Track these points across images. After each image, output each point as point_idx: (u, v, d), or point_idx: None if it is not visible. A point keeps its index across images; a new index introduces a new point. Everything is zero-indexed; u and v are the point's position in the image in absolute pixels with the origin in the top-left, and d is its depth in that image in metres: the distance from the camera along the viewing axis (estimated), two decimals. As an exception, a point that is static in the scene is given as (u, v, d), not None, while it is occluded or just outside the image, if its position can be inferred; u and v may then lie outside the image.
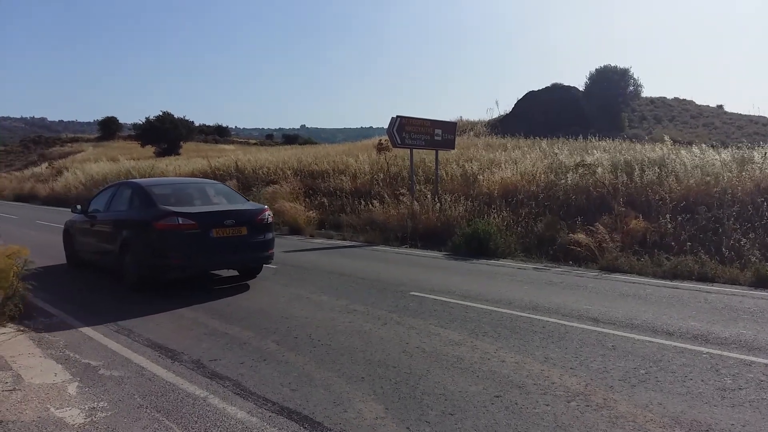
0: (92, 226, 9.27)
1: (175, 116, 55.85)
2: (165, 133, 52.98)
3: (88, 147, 60.65)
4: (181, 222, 7.57)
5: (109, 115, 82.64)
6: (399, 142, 14.31)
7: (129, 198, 8.63)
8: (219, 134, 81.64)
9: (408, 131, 14.42)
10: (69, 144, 67.27)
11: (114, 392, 4.46)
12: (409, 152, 15.14)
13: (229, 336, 5.90)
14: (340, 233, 14.58)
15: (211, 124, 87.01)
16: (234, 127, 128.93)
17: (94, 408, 4.17)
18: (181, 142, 54.95)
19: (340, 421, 3.83)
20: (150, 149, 52.06)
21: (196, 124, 70.71)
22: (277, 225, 13.82)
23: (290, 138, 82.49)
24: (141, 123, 54.60)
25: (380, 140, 23.43)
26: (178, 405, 4.17)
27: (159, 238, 7.60)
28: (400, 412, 3.97)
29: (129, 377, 4.79)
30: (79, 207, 9.93)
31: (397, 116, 14.20)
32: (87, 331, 6.23)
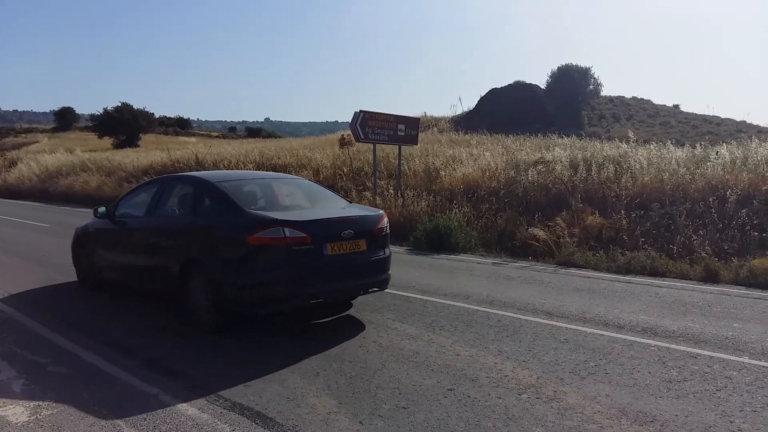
0: (128, 236, 6.96)
1: (135, 107, 54.60)
2: (123, 125, 51.77)
3: (43, 138, 58.80)
4: (288, 235, 5.24)
5: (66, 105, 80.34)
6: (362, 136, 14.28)
7: (192, 198, 6.32)
8: (180, 126, 80.00)
9: (371, 126, 14.40)
10: (23, 135, 65.11)
11: (61, 389, 4.33)
12: (372, 147, 15.13)
13: (172, 329, 5.80)
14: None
15: (172, 116, 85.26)
16: (196, 120, 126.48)
17: (39, 406, 4.04)
18: (141, 134, 53.76)
19: (292, 417, 3.80)
20: (108, 141, 50.76)
21: (157, 115, 69.30)
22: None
23: (253, 131, 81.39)
24: (98, 114, 53.19)
25: (343, 135, 23.37)
26: (126, 402, 4.08)
27: (254, 258, 5.30)
28: (354, 406, 3.96)
29: (78, 374, 4.67)
30: (102, 209, 7.48)
31: (361, 111, 14.17)
32: (35, 326, 6.04)
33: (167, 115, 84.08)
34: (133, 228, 6.90)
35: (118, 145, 47.87)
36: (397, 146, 15.83)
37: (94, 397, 4.16)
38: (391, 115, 15.15)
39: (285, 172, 19.34)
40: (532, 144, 20.56)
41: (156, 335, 5.77)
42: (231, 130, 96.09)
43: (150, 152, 31.70)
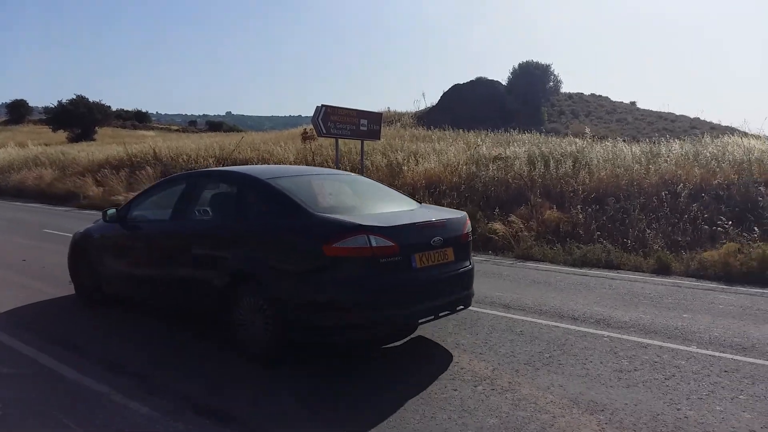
0: (148, 243, 5.82)
1: (90, 100, 53.15)
2: (78, 118, 50.38)
3: (-7, 131, 56.71)
4: (374, 244, 4.26)
5: (19, 97, 77.66)
6: (324, 131, 14.16)
7: (236, 199, 5.23)
8: (138, 120, 78.21)
9: (333, 121, 14.29)
10: (-28, 127, 62.69)
11: (10, 390, 4.18)
12: (334, 142, 15.05)
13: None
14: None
15: (130, 110, 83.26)
16: (155, 113, 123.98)
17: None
18: (96, 128, 52.36)
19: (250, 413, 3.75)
20: (62, 135, 49.29)
21: (114, 109, 67.62)
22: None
23: (215, 125, 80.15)
24: (53, 107, 51.60)
25: (305, 129, 23.15)
26: (77, 402, 3.96)
27: (331, 273, 4.29)
28: (315, 404, 3.94)
29: (28, 374, 4.51)
30: (113, 211, 6.24)
31: (322, 105, 14.05)
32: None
33: (125, 109, 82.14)
34: (155, 234, 5.79)
35: (73, 139, 46.51)
36: (360, 141, 15.80)
37: (43, 397, 4.02)
38: (354, 109, 15.07)
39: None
40: (493, 140, 20.78)
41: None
42: (191, 124, 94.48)
43: (106, 146, 30.88)
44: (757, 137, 16.25)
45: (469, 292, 5.20)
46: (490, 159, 14.18)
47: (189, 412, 3.77)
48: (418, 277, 4.53)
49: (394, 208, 5.23)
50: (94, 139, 46.32)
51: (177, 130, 70.57)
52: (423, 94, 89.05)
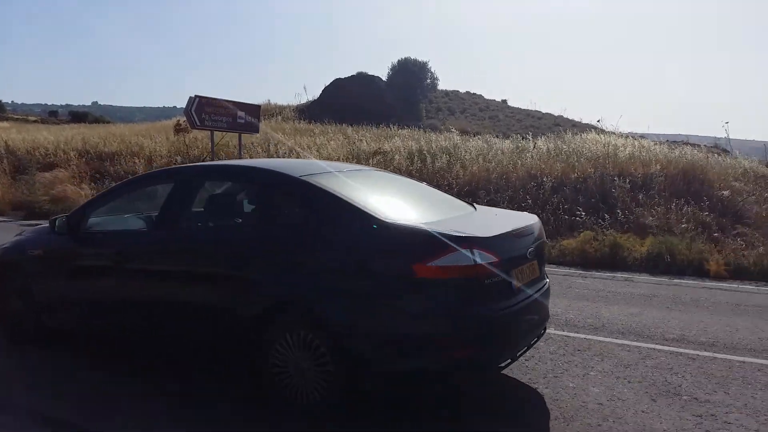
0: (119, 260, 4.31)
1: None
2: None
3: None
4: (479, 261, 3.30)
5: None
6: (198, 123, 13.66)
7: (261, 202, 4.24)
8: (-11, 109, 70.75)
9: (208, 112, 13.83)
10: None
11: None
12: (210, 134, 14.54)
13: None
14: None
15: (-22, 98, 74.99)
16: (11, 102, 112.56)
17: None
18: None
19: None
20: None
21: (-42, 95, 60.65)
22: (58, 211, 12.38)
23: (79, 115, 74.10)
24: None
25: (179, 121, 22.14)
26: None
27: (424, 300, 3.31)
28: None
29: None
30: (63, 219, 4.66)
31: (196, 96, 13.54)
32: None
33: (-27, 96, 73.87)
34: (132, 248, 4.35)
35: None
36: (238, 134, 15.38)
37: None
38: (230, 101, 14.65)
39: (112, 160, 17.90)
40: (374, 135, 21.11)
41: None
42: (52, 114, 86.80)
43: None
44: (612, 134, 17.88)
45: (548, 312, 4.20)
46: (371, 153, 14.41)
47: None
48: (518, 299, 3.60)
49: (456, 210, 4.29)
50: (-67, 130, 41.29)
51: (35, 121, 64.53)
52: (305, 87, 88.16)
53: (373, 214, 3.52)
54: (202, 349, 4.12)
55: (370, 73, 42.99)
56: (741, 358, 4.71)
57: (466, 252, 3.25)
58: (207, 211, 4.49)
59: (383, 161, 13.67)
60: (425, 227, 3.41)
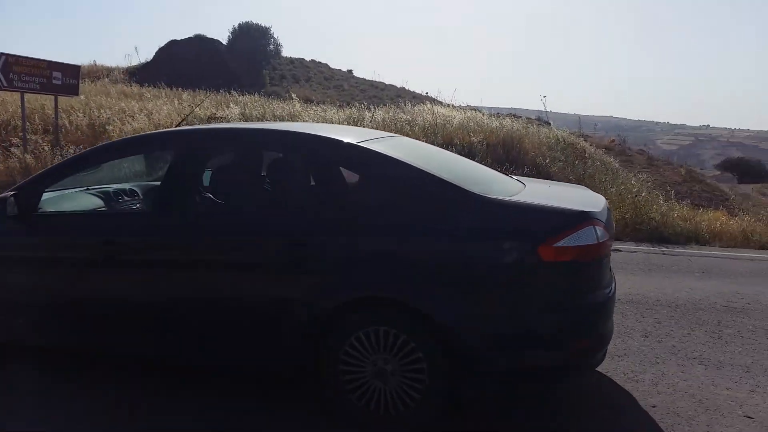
0: (102, 251, 3.41)
1: None
2: None
3: None
4: (600, 239, 2.98)
5: None
6: (5, 84, 12.36)
7: (310, 175, 3.53)
8: None
9: (17, 72, 12.54)
10: None
11: None
12: (20, 96, 13.16)
13: None
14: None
15: None
16: None
17: None
18: None
19: None
20: None
21: None
22: None
23: None
24: None
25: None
26: None
27: (551, 288, 2.95)
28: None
29: None
30: (11, 199, 3.45)
31: (3, 54, 12.21)
32: None
33: None
34: (129, 236, 3.46)
35: None
36: (54, 97, 14.07)
37: None
38: (44, 60, 13.37)
39: None
40: (212, 100, 20.33)
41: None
42: None
43: None
44: (447, 105, 19.00)
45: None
46: (204, 119, 13.96)
47: None
48: (612, 283, 3.31)
49: (521, 183, 3.79)
50: None
51: None
52: (136, 48, 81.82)
53: (473, 191, 3.09)
54: (242, 362, 3.42)
55: (209, 36, 41.15)
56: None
57: (590, 229, 2.93)
58: (249, 191, 3.67)
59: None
60: (547, 204, 3.12)
